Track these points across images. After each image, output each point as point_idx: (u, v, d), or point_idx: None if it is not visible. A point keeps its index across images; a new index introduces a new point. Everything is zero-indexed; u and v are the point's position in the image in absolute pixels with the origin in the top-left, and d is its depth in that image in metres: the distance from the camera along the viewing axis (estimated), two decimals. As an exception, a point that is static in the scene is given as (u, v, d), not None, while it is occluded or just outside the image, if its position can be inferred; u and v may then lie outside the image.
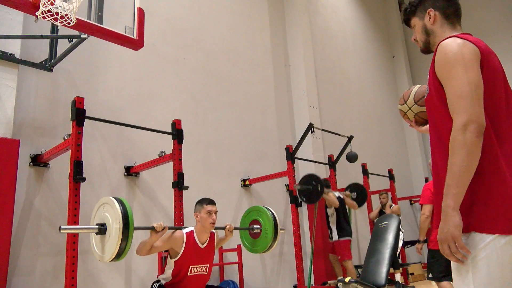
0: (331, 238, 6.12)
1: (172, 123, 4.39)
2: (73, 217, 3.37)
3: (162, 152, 4.42)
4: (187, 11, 6.21)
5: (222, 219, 5.69)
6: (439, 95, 1.44)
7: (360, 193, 7.00)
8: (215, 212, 3.49)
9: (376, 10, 12.48)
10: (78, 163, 3.51)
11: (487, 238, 1.32)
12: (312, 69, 8.13)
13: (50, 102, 4.29)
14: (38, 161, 4.03)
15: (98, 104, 4.64)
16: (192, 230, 3.47)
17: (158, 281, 3.45)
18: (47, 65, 4.07)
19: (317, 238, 6.27)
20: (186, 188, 4.21)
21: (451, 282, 3.82)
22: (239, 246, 5.39)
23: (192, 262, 3.36)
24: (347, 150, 7.09)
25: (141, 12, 3.72)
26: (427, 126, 1.74)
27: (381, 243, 3.70)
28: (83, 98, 3.70)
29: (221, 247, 5.42)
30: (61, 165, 4.08)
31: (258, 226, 4.16)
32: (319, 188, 5.42)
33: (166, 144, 4.51)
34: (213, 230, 3.61)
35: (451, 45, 1.43)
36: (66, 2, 2.85)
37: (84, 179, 3.50)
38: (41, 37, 3.88)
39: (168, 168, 4.47)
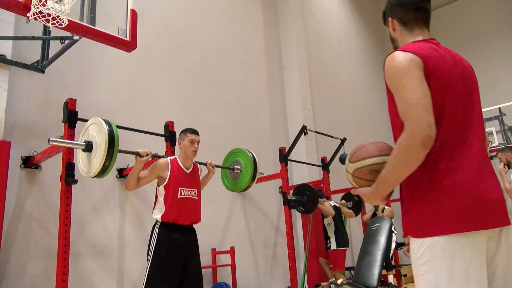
0: (329, 248, 6.03)
1: (165, 125, 4.37)
2: (65, 220, 3.35)
3: (155, 154, 4.40)
4: (181, 12, 6.20)
5: (215, 221, 5.69)
6: (394, 105, 1.46)
7: (356, 202, 7.01)
8: (198, 142, 3.63)
9: (369, 12, 12.53)
10: (70, 165, 3.49)
11: (426, 243, 1.35)
12: (306, 71, 8.15)
13: (42, 104, 4.26)
14: (29, 163, 4.00)
15: (91, 105, 4.61)
16: (176, 158, 3.60)
17: (155, 222, 3.42)
18: (39, 67, 4.04)
19: (310, 239, 6.27)
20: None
21: None
22: (232, 248, 5.39)
23: (180, 185, 3.44)
24: (340, 152, 7.11)
25: (134, 13, 3.71)
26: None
27: (373, 245, 3.71)
28: (75, 99, 3.68)
29: (214, 249, 5.43)
30: (53, 167, 4.05)
31: (239, 166, 4.45)
32: (314, 198, 5.44)
33: (159, 146, 4.49)
34: (196, 163, 3.74)
35: (394, 58, 1.45)
36: (58, 3, 2.84)
37: (76, 181, 3.48)
38: (33, 38, 3.86)
39: (161, 170, 4.45)
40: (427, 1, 1.63)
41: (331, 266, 6.00)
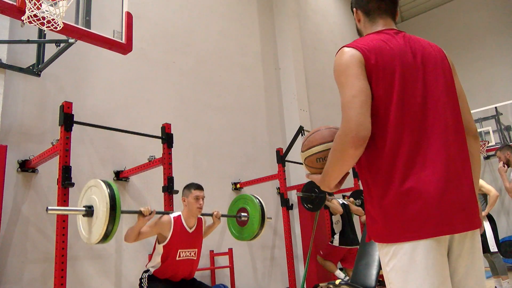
0: (332, 242, 6.06)
1: (161, 127, 4.37)
2: (62, 223, 3.34)
3: (152, 156, 4.40)
4: (176, 15, 6.20)
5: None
6: None
7: (363, 199, 6.98)
8: (203, 198, 3.51)
9: (365, 13, 12.56)
10: (67, 168, 3.48)
11: (390, 248, 1.32)
12: (302, 73, 8.16)
13: (38, 107, 4.26)
14: (26, 166, 3.99)
15: (87, 108, 4.61)
16: (180, 215, 3.48)
17: (147, 270, 3.42)
18: (35, 70, 4.04)
19: (308, 241, 6.27)
20: (176, 192, 4.19)
21: None
22: (230, 250, 5.38)
23: (181, 246, 3.36)
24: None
25: (129, 16, 3.71)
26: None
27: (371, 245, 3.72)
28: (71, 103, 3.67)
29: (212, 250, 5.42)
30: (50, 170, 4.05)
31: (246, 214, 4.22)
32: (322, 195, 5.44)
33: (156, 149, 4.49)
34: (201, 217, 3.64)
35: (339, 55, 1.44)
36: (52, 6, 2.84)
37: (73, 184, 3.47)
38: (28, 41, 3.86)
39: (158, 173, 4.46)
40: None
41: (321, 252, 6.03)
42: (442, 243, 1.29)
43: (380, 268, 3.68)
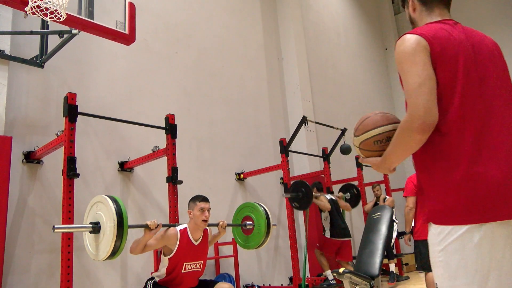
0: (324, 233, 6.13)
1: (165, 118, 4.38)
2: (67, 213, 3.36)
3: (156, 147, 4.42)
4: (179, 6, 6.18)
5: (217, 213, 5.71)
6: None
7: (354, 194, 7.03)
8: (208, 210, 3.49)
9: (368, 2, 12.48)
10: (72, 159, 3.49)
11: (445, 230, 1.34)
12: (305, 63, 8.14)
13: (42, 99, 4.27)
14: (31, 158, 4.01)
15: (90, 100, 4.62)
16: (186, 228, 3.47)
17: (152, 278, 3.46)
18: (38, 62, 4.04)
19: (312, 231, 6.30)
20: (181, 182, 4.21)
21: None
22: (234, 239, 5.41)
23: (186, 259, 3.38)
24: (341, 143, 7.11)
25: (132, 6, 3.71)
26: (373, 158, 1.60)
27: (374, 234, 3.74)
28: (75, 94, 3.68)
29: (217, 240, 5.46)
30: (55, 161, 4.07)
31: (251, 222, 4.19)
32: (309, 194, 5.48)
33: (160, 140, 4.51)
34: (206, 227, 3.62)
35: (401, 42, 1.45)
36: (55, -3, 2.83)
37: (77, 175, 3.49)
38: (31, 33, 3.86)
39: (162, 163, 4.47)
40: None
41: (317, 245, 6.07)
42: (506, 227, 1.30)
43: (383, 256, 3.70)
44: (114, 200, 2.95)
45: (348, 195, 6.99)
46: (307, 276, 5.97)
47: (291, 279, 6.20)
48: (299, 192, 5.60)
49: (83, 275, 4.15)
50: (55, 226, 2.89)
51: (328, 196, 6.19)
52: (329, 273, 5.78)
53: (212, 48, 6.54)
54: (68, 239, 3.34)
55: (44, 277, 3.90)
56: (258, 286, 5.69)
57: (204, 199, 3.52)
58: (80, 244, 4.13)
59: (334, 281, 5.62)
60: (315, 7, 9.62)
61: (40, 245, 3.95)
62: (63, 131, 3.59)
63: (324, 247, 6.01)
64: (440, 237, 1.35)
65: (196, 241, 3.48)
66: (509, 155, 1.35)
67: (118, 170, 4.73)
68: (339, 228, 5.97)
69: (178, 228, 3.44)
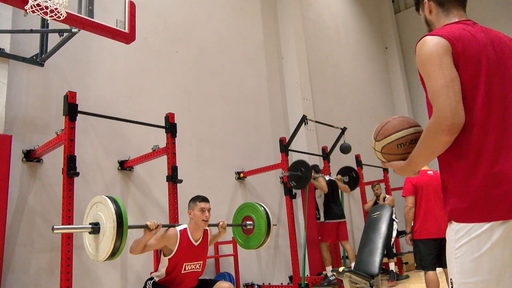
0: (318, 219, 6.25)
1: (165, 117, 4.38)
2: (68, 212, 3.37)
3: (156, 146, 4.42)
4: (179, 4, 6.17)
5: (217, 212, 5.71)
6: (427, 93, 1.47)
7: (352, 176, 7.06)
8: (208, 210, 3.49)
9: (368, 1, 12.46)
10: (72, 158, 3.49)
11: (465, 228, 1.36)
12: (305, 61, 8.13)
13: (42, 97, 4.26)
14: (31, 156, 4.01)
15: (90, 99, 4.62)
16: (186, 228, 3.47)
17: (151, 278, 3.46)
18: (38, 60, 4.04)
19: (312, 229, 6.31)
20: (181, 181, 4.21)
21: (436, 272, 3.88)
22: (234, 238, 5.41)
23: (186, 260, 3.37)
24: (341, 142, 7.12)
25: (132, 5, 3.70)
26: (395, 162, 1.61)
27: (374, 233, 3.74)
28: (75, 92, 3.68)
29: (217, 240, 5.46)
30: (54, 160, 4.07)
31: (251, 222, 4.19)
32: (307, 174, 5.59)
33: (160, 138, 4.50)
34: (207, 228, 3.62)
35: (423, 44, 1.46)
36: (55, -4, 2.83)
37: (77, 174, 3.49)
38: (31, 31, 3.85)
39: (162, 162, 4.47)
40: None
41: (319, 238, 6.15)
42: None
43: (383, 255, 3.71)
44: (114, 201, 2.94)
45: (346, 178, 7.03)
46: (307, 275, 5.98)
47: (291, 278, 6.20)
48: (298, 172, 5.66)
49: (83, 274, 4.15)
50: (55, 226, 2.88)
51: (327, 178, 6.27)
52: (328, 270, 5.81)
53: (212, 46, 6.53)
54: (68, 238, 3.34)
55: (44, 276, 3.90)
56: (258, 285, 5.69)
57: (205, 199, 3.51)
58: (80, 243, 4.13)
59: (334, 278, 5.63)
60: (315, 6, 9.61)
61: (40, 244, 3.95)
62: (63, 129, 3.59)
63: (325, 234, 6.10)
64: (459, 235, 1.37)
65: (196, 242, 3.47)
66: None
67: (118, 169, 4.72)
68: (333, 210, 6.11)
69: (178, 228, 3.44)
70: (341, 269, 3.35)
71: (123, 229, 2.85)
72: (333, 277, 5.66)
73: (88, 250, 3.07)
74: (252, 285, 5.68)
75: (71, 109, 3.58)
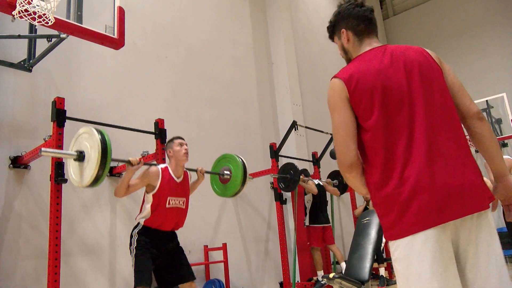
0: (305, 224, 6.29)
1: (155, 123, 4.36)
2: (55, 219, 3.33)
3: (145, 152, 4.39)
4: (168, 8, 6.16)
5: (207, 218, 5.69)
6: None
7: (341, 180, 7.10)
8: (186, 144, 3.61)
9: (357, 7, 12.56)
10: (60, 165, 3.46)
11: (394, 244, 1.44)
12: (295, 66, 8.16)
13: (30, 103, 4.21)
14: (18, 162, 3.95)
15: (79, 104, 4.57)
16: (167, 166, 3.55)
17: (137, 225, 3.42)
18: (26, 65, 3.99)
19: (302, 235, 6.31)
20: (170, 187, 4.18)
21: None
22: (224, 244, 5.40)
23: (170, 194, 3.42)
24: (331, 147, 7.15)
25: (121, 11, 3.69)
26: None
27: (364, 238, 3.75)
28: (64, 98, 3.65)
29: (206, 245, 5.44)
30: (42, 166, 4.01)
31: (228, 172, 4.38)
32: (296, 176, 5.69)
33: (149, 144, 4.48)
34: (186, 171, 3.70)
35: (329, 87, 1.62)
36: (43, 1, 2.81)
37: (65, 181, 3.46)
38: (19, 36, 3.81)
39: (151, 168, 4.44)
40: (372, 13, 1.72)
41: (308, 243, 6.22)
42: (441, 231, 1.35)
43: (373, 261, 3.72)
44: (100, 132, 3.10)
45: (336, 181, 7.06)
46: (297, 281, 5.97)
47: (281, 284, 6.19)
48: (287, 174, 5.71)
49: (71, 281, 4.09)
50: (42, 149, 3.08)
51: (316, 181, 6.30)
52: (320, 274, 5.82)
53: (201, 50, 6.52)
54: (55, 245, 3.30)
55: (30, 282, 3.83)
56: (248, 290, 5.67)
57: (180, 137, 3.66)
58: (67, 248, 4.09)
59: (325, 282, 5.64)
60: (304, 10, 9.67)
61: (26, 250, 3.88)
62: (50, 136, 3.55)
63: (312, 238, 6.16)
64: (392, 249, 1.45)
65: (178, 178, 3.55)
66: (428, 166, 1.39)
67: (107, 175, 4.67)
68: (317, 215, 6.18)
69: (160, 166, 3.52)
70: (331, 275, 3.35)
71: (107, 158, 3.00)
72: (324, 281, 5.67)
73: (72, 178, 3.20)
74: (242, 291, 5.66)
75: (59, 115, 3.54)
